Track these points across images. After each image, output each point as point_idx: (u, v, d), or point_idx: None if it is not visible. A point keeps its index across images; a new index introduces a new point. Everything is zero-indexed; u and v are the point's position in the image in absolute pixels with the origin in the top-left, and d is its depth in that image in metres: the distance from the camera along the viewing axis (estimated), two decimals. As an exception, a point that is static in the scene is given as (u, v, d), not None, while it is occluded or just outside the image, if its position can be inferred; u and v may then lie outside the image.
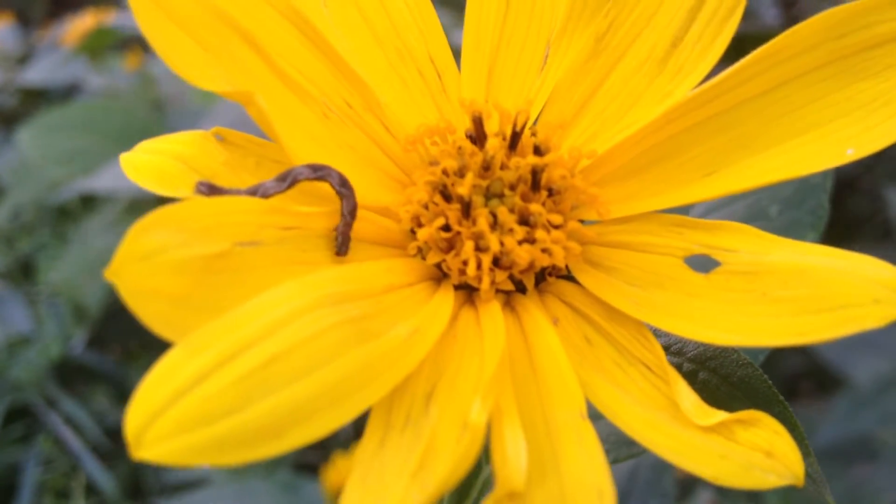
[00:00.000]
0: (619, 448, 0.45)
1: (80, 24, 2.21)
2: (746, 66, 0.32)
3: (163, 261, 0.27)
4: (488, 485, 0.42)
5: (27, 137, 1.80)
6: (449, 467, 0.26)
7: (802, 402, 1.47)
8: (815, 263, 0.29)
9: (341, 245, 0.31)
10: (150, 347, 1.76)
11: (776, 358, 1.40)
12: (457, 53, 0.38)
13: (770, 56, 0.32)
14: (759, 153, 0.32)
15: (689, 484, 1.27)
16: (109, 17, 2.17)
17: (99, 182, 1.50)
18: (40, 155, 1.80)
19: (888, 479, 1.15)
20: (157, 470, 1.60)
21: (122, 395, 1.76)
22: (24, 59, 2.54)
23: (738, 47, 0.33)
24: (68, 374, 1.80)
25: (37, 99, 2.46)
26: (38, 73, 2.27)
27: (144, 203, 1.64)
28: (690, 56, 0.34)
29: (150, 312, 0.27)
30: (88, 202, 1.94)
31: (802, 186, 0.51)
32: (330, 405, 0.26)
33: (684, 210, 0.50)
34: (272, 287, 0.28)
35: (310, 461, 1.48)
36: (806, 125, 0.32)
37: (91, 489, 1.54)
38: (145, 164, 0.31)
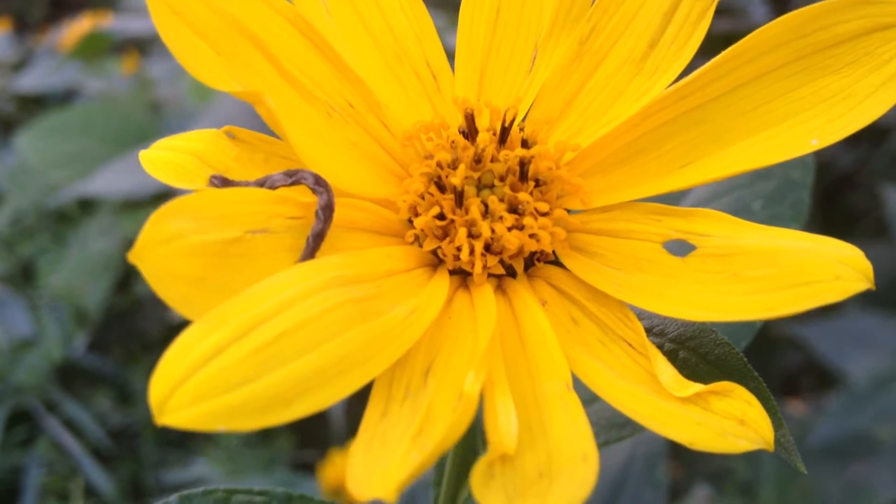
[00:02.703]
0: (610, 431, 0.47)
1: (77, 29, 2.22)
2: (717, 64, 0.34)
3: (181, 245, 0.29)
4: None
5: (26, 141, 1.82)
6: (444, 431, 0.28)
7: (803, 398, 1.48)
8: (783, 245, 0.32)
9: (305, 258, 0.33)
10: (151, 350, 1.78)
11: (774, 356, 1.43)
12: (451, 55, 0.40)
13: (739, 55, 0.34)
14: (730, 145, 0.35)
15: (685, 482, 1.30)
16: (106, 21, 2.19)
17: (95, 185, 1.52)
18: (39, 158, 1.82)
19: (885, 475, 1.16)
20: (156, 471, 1.62)
21: (124, 397, 1.78)
22: (20, 65, 2.56)
23: (729, 45, 0.36)
24: (70, 377, 1.81)
25: (34, 105, 2.47)
26: (34, 80, 2.28)
27: (139, 204, 1.66)
28: (666, 56, 0.36)
29: (170, 293, 0.29)
30: (86, 206, 1.96)
31: (784, 183, 0.54)
32: (335, 377, 0.28)
33: (672, 201, 0.53)
34: (281, 271, 0.30)
35: (307, 460, 1.50)
36: (773, 118, 0.34)
37: (91, 491, 1.56)
38: (162, 159, 0.34)
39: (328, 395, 0.28)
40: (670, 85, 0.36)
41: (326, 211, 0.33)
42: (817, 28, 0.33)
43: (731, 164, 0.34)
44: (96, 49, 2.10)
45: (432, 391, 0.31)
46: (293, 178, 0.34)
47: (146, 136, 1.80)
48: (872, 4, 0.33)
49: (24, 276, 1.96)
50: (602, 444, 0.46)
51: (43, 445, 1.65)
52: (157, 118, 2.01)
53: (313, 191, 0.34)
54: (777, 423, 0.34)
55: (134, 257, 0.28)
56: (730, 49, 0.34)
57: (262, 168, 0.35)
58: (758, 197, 0.53)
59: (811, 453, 1.22)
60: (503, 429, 0.29)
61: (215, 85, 0.32)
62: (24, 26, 3.01)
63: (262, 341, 0.28)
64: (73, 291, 1.75)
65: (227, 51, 0.33)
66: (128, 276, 1.85)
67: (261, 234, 0.32)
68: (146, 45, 2.29)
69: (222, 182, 0.33)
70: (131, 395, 1.76)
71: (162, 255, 0.29)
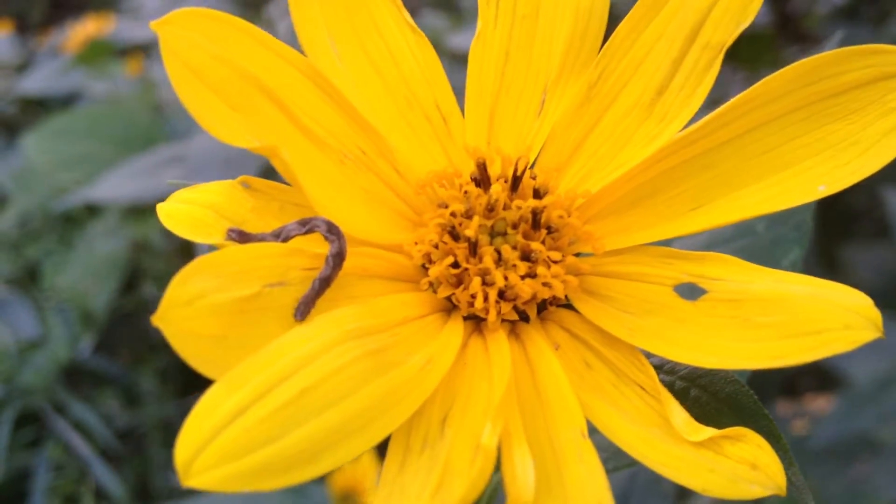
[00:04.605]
0: (619, 457, 0.48)
1: (81, 31, 2.22)
2: (727, 110, 0.35)
3: (202, 305, 0.30)
4: (495, 494, 0.45)
5: (32, 143, 1.82)
6: (465, 488, 0.29)
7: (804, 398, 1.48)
8: (793, 291, 0.32)
9: (301, 308, 0.33)
10: (158, 351, 1.79)
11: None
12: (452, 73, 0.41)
13: (748, 101, 0.35)
14: (739, 189, 0.35)
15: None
16: (109, 24, 2.19)
17: (100, 191, 1.52)
18: (45, 160, 1.82)
19: (887, 477, 1.16)
20: (165, 472, 1.63)
21: (131, 397, 1.79)
22: (22, 66, 2.56)
23: (729, 47, 0.36)
24: (77, 378, 1.82)
25: (37, 107, 2.47)
26: (37, 82, 2.28)
27: (145, 208, 1.66)
28: (675, 102, 0.37)
29: (192, 352, 0.30)
30: (93, 208, 1.97)
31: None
32: (357, 431, 0.29)
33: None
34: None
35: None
36: (782, 164, 0.35)
37: (100, 493, 1.56)
38: (181, 213, 0.34)
39: (350, 450, 0.29)
40: (680, 130, 0.36)
41: (337, 258, 0.34)
42: (824, 76, 0.34)
43: (741, 209, 0.35)
44: (99, 56, 2.10)
45: (449, 441, 0.31)
46: (307, 226, 0.34)
47: (152, 139, 1.80)
48: (877, 54, 0.33)
49: (31, 278, 1.96)
50: (612, 471, 0.47)
51: (51, 447, 1.65)
52: (162, 120, 2.01)
53: (325, 238, 0.34)
54: (788, 462, 0.35)
55: (158, 320, 0.29)
56: (739, 95, 0.34)
57: (279, 217, 0.36)
58: (761, 218, 0.54)
59: (813, 454, 1.22)
60: (521, 481, 0.30)
61: (231, 141, 0.33)
62: (24, 28, 3.01)
63: (283, 400, 0.29)
64: (80, 293, 1.76)
65: (242, 105, 0.34)
66: (134, 278, 1.86)
67: (278, 287, 0.32)
68: (150, 48, 2.29)
69: (239, 235, 0.34)
70: (138, 396, 1.76)
71: (184, 316, 0.30)
